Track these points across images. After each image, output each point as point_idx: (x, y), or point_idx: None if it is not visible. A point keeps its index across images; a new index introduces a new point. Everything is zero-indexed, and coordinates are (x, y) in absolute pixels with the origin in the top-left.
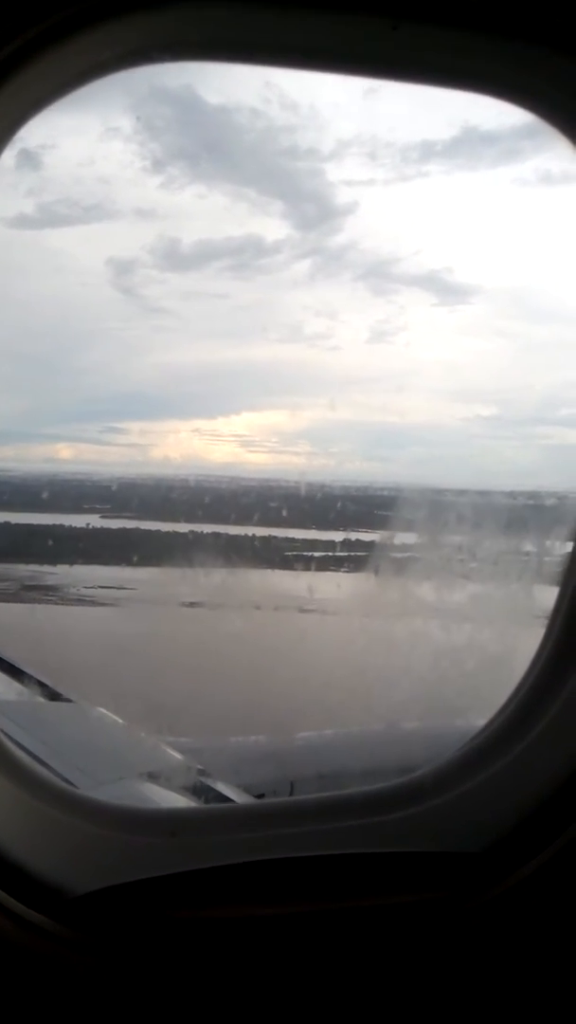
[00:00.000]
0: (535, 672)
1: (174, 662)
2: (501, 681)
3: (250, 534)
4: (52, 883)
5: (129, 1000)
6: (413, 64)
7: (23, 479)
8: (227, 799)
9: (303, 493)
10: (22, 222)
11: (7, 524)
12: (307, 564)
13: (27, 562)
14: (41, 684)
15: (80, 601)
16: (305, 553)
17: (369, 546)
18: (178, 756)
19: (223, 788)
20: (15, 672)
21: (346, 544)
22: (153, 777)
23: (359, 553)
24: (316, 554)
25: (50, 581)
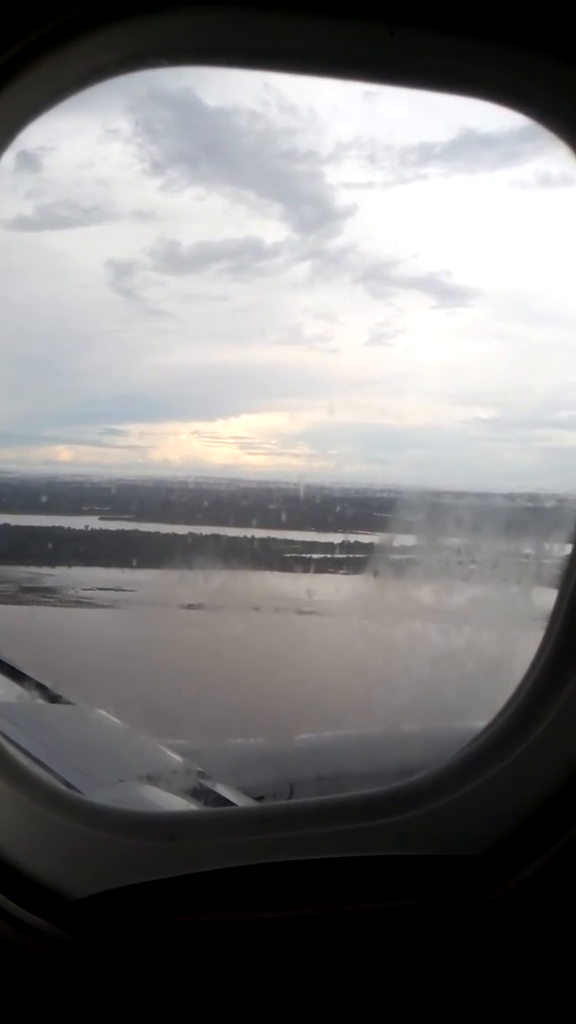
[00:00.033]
0: (534, 675)
1: (173, 664)
2: (500, 683)
3: (249, 536)
4: (52, 887)
5: (129, 1004)
6: (411, 69)
7: (23, 481)
8: (227, 801)
9: (302, 495)
10: (21, 224)
11: (6, 526)
12: (306, 566)
13: (26, 564)
14: (41, 686)
15: (79, 603)
16: (304, 555)
17: (368, 548)
18: (177, 758)
19: (223, 790)
20: (15, 674)
21: (345, 546)
22: (153, 779)
23: (358, 555)
24: (315, 556)
25: (48, 583)
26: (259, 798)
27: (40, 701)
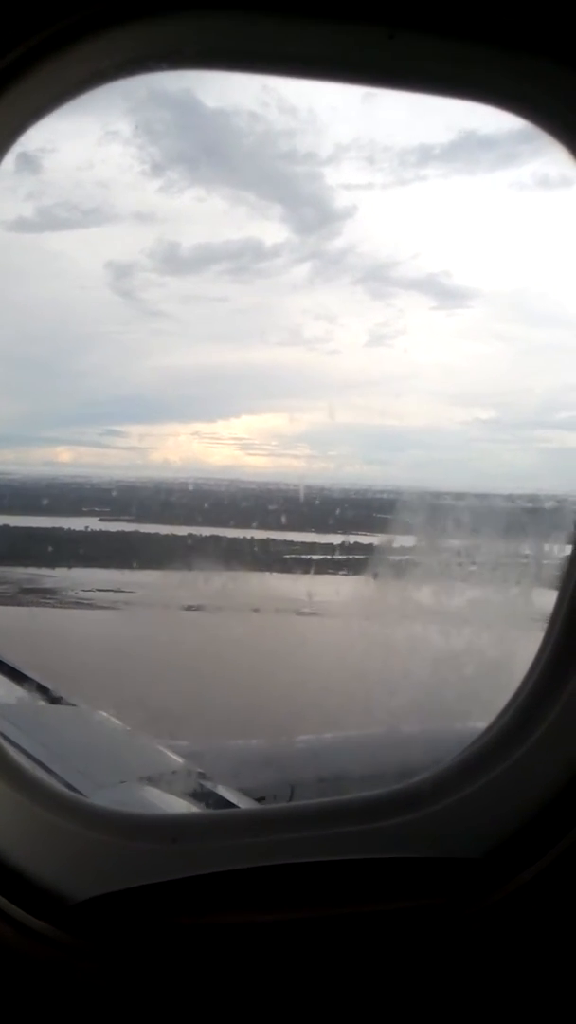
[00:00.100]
0: (534, 676)
1: (172, 665)
2: (500, 685)
3: (249, 537)
4: (53, 889)
5: (130, 1006)
6: (411, 73)
7: (22, 482)
8: (228, 803)
9: (302, 496)
10: (21, 225)
11: (6, 527)
12: (306, 567)
13: (25, 565)
14: (42, 688)
15: (78, 604)
16: (304, 556)
17: (368, 549)
18: (178, 760)
19: (224, 792)
20: (15, 675)
21: (345, 547)
22: (153, 781)
23: (358, 556)
24: (315, 557)
25: (48, 584)
26: (260, 799)
27: (41, 702)
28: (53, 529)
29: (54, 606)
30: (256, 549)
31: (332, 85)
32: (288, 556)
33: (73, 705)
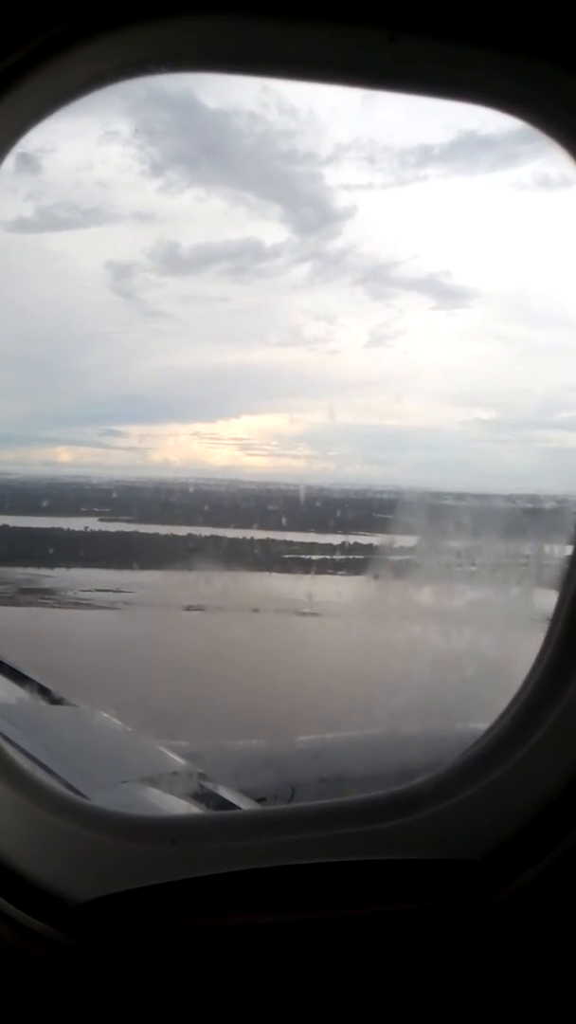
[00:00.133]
0: (535, 677)
1: (172, 666)
2: (501, 686)
3: (249, 537)
4: (53, 891)
5: (131, 1008)
6: (411, 76)
7: (22, 482)
8: (229, 803)
9: (302, 496)
10: (21, 226)
11: (5, 527)
12: (306, 568)
13: (24, 565)
14: (42, 688)
15: (76, 604)
16: (304, 556)
17: (368, 549)
18: (179, 760)
19: (224, 792)
20: (15, 676)
21: (345, 548)
22: (154, 781)
23: (358, 556)
24: (315, 557)
25: (47, 584)
26: (260, 800)
27: (41, 703)
28: (52, 529)
29: (53, 606)
30: (256, 549)
31: (332, 87)
32: (288, 556)
33: (73, 706)
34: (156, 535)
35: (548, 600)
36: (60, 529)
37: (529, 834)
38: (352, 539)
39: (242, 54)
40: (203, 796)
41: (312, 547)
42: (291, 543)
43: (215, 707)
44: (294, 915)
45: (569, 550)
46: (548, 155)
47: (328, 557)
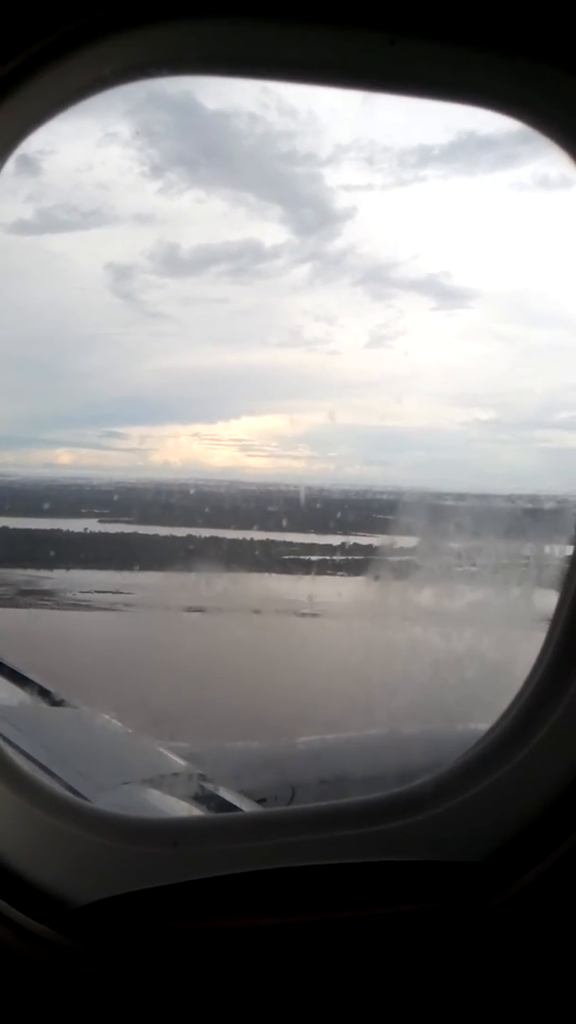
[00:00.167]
0: (536, 678)
1: (171, 667)
2: (502, 687)
3: (249, 538)
4: (54, 893)
5: (131, 1010)
6: (411, 78)
7: (22, 484)
8: (229, 805)
9: (302, 497)
10: (21, 227)
11: (5, 529)
12: (306, 568)
13: (24, 567)
14: (43, 690)
15: (75, 606)
16: (304, 557)
17: (368, 550)
18: (179, 761)
19: (224, 793)
20: (15, 677)
21: (345, 548)
22: (155, 783)
23: (358, 557)
24: (315, 558)
25: (46, 586)
26: (260, 801)
27: (41, 704)
28: (52, 531)
29: (52, 608)
30: (256, 551)
31: (332, 90)
32: (288, 557)
33: (74, 708)
34: (156, 536)
35: (548, 601)
36: (60, 531)
37: (530, 835)
38: (352, 540)
39: (243, 57)
40: (203, 798)
41: (312, 548)
42: (291, 544)
43: (215, 708)
44: (295, 917)
45: (569, 551)
46: (548, 155)
47: (328, 558)
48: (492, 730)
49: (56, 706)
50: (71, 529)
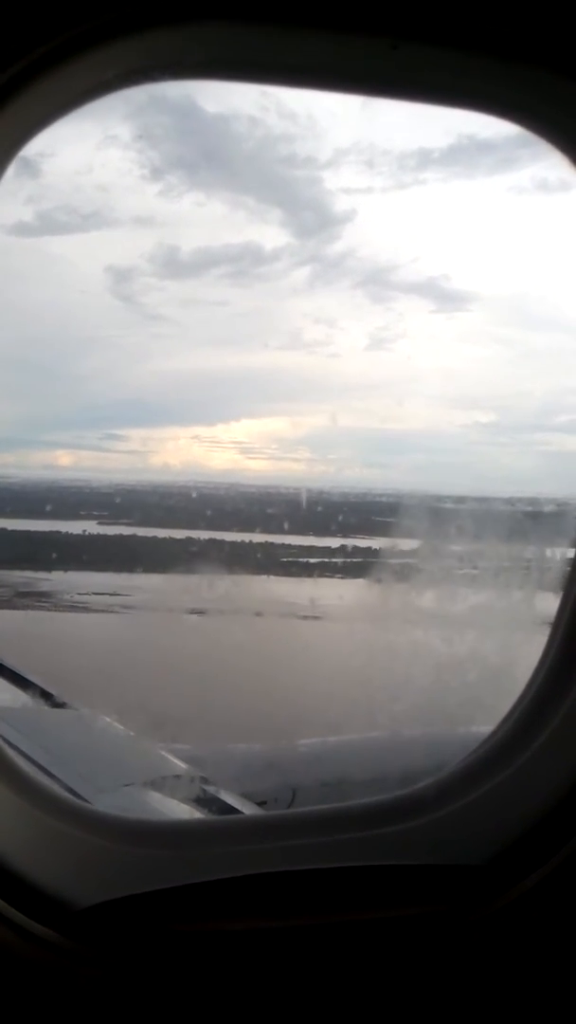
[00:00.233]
0: (538, 681)
1: (171, 669)
2: (504, 690)
3: (248, 541)
4: (56, 895)
5: (133, 1012)
6: (411, 83)
7: (22, 485)
8: (230, 808)
9: (303, 500)
10: (21, 229)
11: (3, 530)
12: (307, 571)
13: (22, 568)
14: (44, 692)
15: (73, 608)
16: (303, 559)
17: (368, 552)
18: (180, 764)
19: (226, 796)
20: (16, 679)
21: (346, 551)
22: (156, 785)
23: (358, 560)
24: (315, 561)
25: (44, 587)
26: (262, 803)
27: (43, 707)
28: (51, 533)
29: (49, 609)
30: (254, 553)
31: (333, 94)
32: (286, 559)
33: (75, 710)
34: (155, 538)
35: (549, 603)
36: (58, 532)
37: (532, 839)
38: (352, 543)
39: (245, 62)
40: (205, 800)
41: (312, 550)
42: (290, 546)
43: (216, 711)
44: (296, 920)
45: (570, 554)
46: (547, 159)
47: (329, 560)
48: (494, 733)
49: (57, 708)
50: (70, 531)
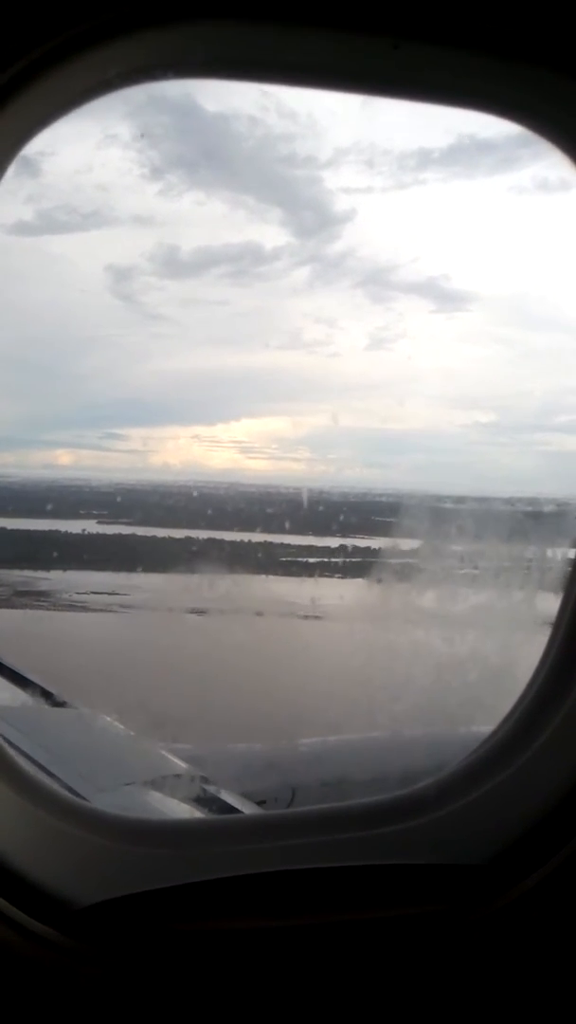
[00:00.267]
0: (539, 681)
1: (171, 669)
2: (505, 690)
3: (248, 540)
4: (56, 894)
5: (133, 1012)
6: (412, 82)
7: (22, 485)
8: (230, 807)
9: (304, 499)
10: (21, 229)
11: (2, 530)
12: (305, 570)
13: (21, 567)
14: (44, 691)
15: (71, 607)
16: (303, 559)
17: (367, 552)
18: (180, 763)
19: (226, 796)
20: (16, 678)
21: (345, 551)
22: (156, 785)
23: (358, 560)
24: (315, 560)
25: (43, 587)
26: (262, 803)
27: (43, 706)
28: (50, 532)
29: (47, 609)
30: (254, 553)
31: (333, 93)
32: (286, 559)
33: (75, 709)
34: (155, 538)
35: (550, 603)
36: (58, 531)
37: (533, 839)
38: (353, 542)
39: (246, 61)
40: (205, 800)
41: (312, 550)
42: (289, 546)
43: (217, 711)
44: (296, 920)
45: (571, 554)
46: (547, 159)
47: (329, 560)
48: (494, 733)
49: (57, 708)
50: (69, 530)
